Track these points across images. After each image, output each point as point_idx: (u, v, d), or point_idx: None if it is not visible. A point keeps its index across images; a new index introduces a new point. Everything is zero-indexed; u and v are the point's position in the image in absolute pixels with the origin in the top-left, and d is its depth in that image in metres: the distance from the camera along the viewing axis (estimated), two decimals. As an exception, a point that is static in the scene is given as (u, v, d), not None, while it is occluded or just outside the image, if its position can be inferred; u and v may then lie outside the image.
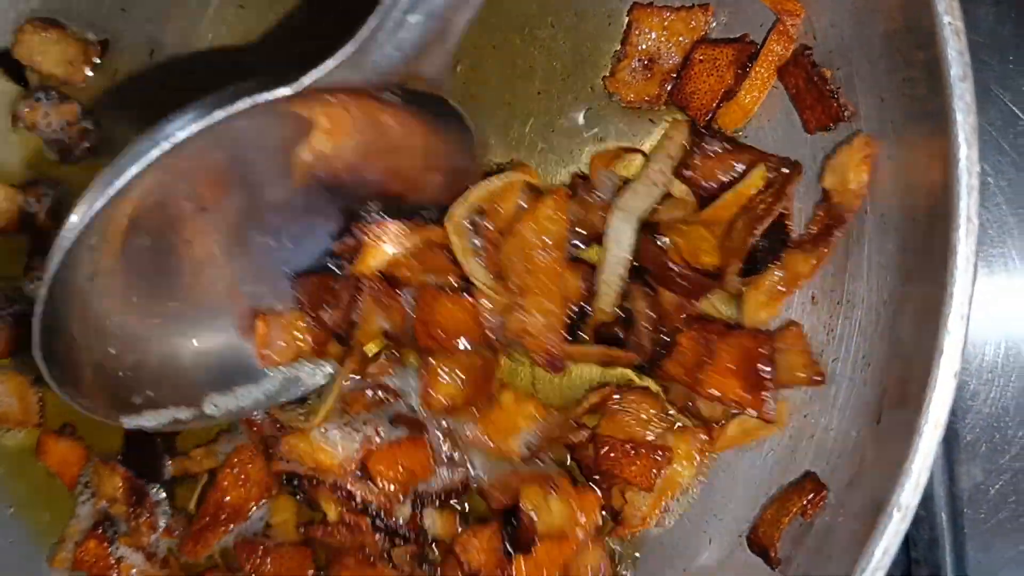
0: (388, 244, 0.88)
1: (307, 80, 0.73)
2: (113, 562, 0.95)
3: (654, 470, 0.87)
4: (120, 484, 0.95)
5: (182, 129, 0.74)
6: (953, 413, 0.95)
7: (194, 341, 0.91)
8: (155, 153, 0.74)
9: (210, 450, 0.96)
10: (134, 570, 0.95)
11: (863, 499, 0.74)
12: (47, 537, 0.99)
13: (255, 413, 0.94)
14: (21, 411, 0.97)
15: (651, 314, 0.87)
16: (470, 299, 0.89)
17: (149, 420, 0.89)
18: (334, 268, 0.90)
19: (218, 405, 0.92)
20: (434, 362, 0.90)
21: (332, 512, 0.93)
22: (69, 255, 0.76)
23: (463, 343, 0.90)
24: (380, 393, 0.93)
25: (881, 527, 0.66)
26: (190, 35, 0.94)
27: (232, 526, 0.94)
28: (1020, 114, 0.97)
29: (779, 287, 0.84)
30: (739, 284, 0.84)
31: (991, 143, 0.97)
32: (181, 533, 0.96)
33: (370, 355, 0.93)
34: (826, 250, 0.81)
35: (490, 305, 0.89)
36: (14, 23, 0.94)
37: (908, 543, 0.95)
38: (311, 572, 0.93)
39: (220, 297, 0.90)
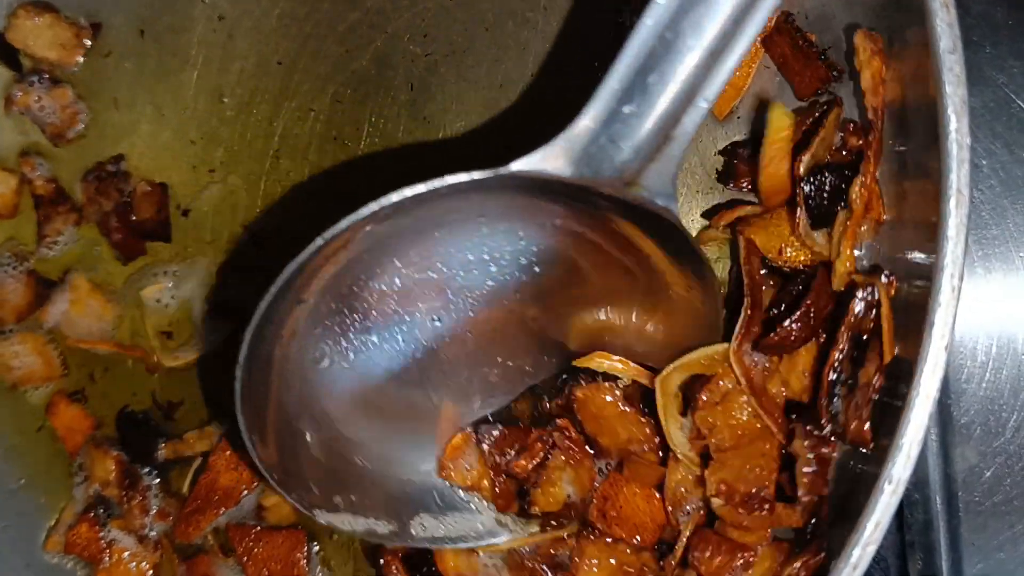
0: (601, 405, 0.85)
1: (515, 166, 0.69)
2: (104, 545, 0.95)
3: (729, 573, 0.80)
4: (113, 467, 0.95)
5: (395, 193, 0.70)
6: (948, 396, 0.95)
7: (418, 458, 0.88)
8: (364, 212, 0.70)
9: (204, 433, 0.96)
10: (126, 553, 0.95)
11: (852, 478, 0.73)
12: (42, 520, 0.99)
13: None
14: (44, 367, 0.98)
15: (810, 455, 0.77)
16: (659, 496, 0.84)
17: (344, 523, 0.85)
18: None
19: (426, 527, 0.87)
20: (592, 548, 0.85)
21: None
22: (280, 313, 0.75)
23: (636, 538, 0.84)
24: (544, 568, 0.88)
25: (873, 501, 0.66)
26: (183, 18, 0.95)
27: (224, 509, 0.94)
28: (1014, 97, 0.96)
29: (843, 228, 0.78)
30: (815, 237, 0.80)
31: (985, 126, 0.96)
32: (174, 516, 0.96)
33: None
34: (867, 167, 0.76)
35: (680, 477, 0.83)
36: (7, 8, 0.95)
37: (902, 526, 0.94)
38: (302, 555, 0.93)
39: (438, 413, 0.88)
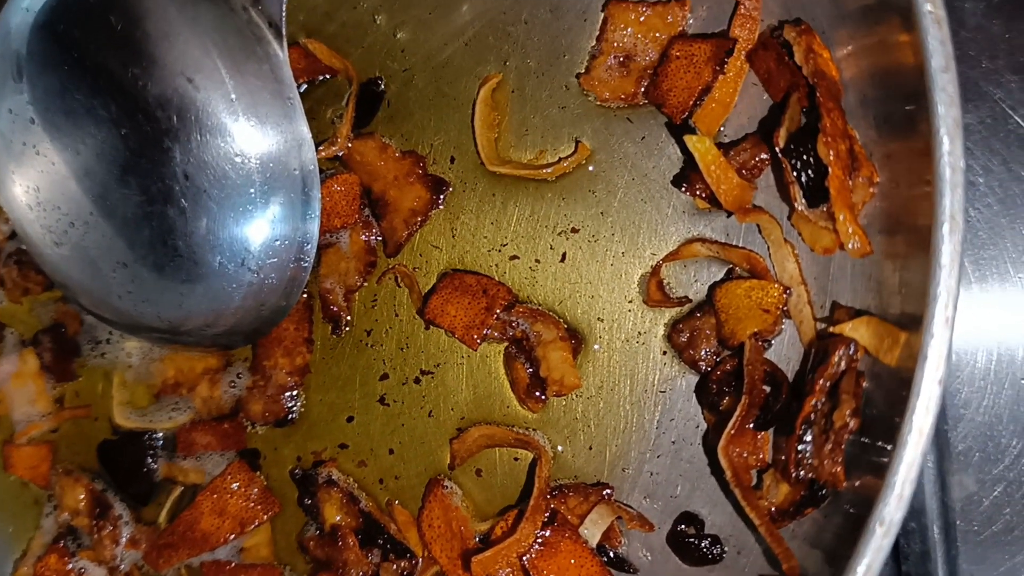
0: None
1: None
2: (74, 577, 0.92)
3: None
4: (83, 496, 0.93)
5: None
6: (945, 421, 0.92)
7: None
8: None
9: (200, 467, 0.93)
10: (95, 585, 0.93)
11: (845, 513, 0.70)
12: (9, 551, 0.96)
13: None
14: None
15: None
16: None
17: None
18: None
19: None
20: None
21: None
22: None
23: None
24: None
25: (863, 543, 0.63)
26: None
27: (199, 552, 0.91)
28: (1011, 112, 0.93)
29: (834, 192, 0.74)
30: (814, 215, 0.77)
31: (981, 142, 0.93)
32: (146, 544, 0.93)
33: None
34: (825, 123, 0.73)
35: None
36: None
37: (899, 557, 0.91)
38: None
39: None
